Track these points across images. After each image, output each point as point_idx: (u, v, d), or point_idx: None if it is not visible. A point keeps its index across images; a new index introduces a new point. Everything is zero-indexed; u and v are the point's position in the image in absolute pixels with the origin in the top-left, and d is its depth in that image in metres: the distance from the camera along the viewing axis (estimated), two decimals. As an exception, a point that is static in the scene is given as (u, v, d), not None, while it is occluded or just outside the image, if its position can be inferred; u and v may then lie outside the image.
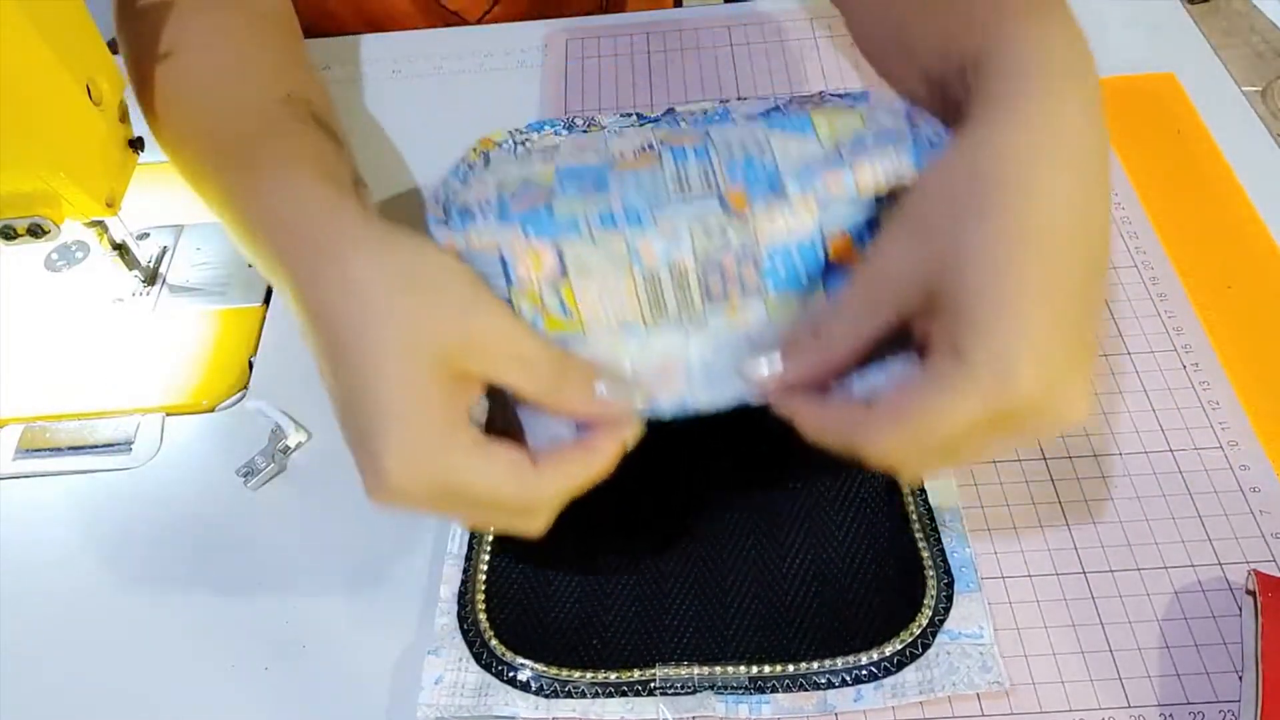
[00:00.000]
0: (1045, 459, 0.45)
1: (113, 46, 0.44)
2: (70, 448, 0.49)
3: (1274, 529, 0.42)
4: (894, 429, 0.31)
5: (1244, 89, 0.59)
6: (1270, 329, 0.48)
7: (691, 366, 0.36)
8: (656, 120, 0.46)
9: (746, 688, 0.38)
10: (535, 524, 0.34)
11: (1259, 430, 0.45)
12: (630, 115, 0.47)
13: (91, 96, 0.42)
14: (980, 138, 0.31)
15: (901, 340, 0.33)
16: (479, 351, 0.33)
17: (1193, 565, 0.41)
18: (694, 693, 0.38)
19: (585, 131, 0.46)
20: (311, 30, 0.61)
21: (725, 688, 0.38)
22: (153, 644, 0.43)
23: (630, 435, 0.35)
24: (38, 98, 0.39)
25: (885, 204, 0.34)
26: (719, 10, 0.68)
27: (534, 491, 0.33)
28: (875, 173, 0.33)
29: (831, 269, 0.35)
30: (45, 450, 0.49)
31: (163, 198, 0.58)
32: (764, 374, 0.34)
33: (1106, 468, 0.44)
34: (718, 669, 0.38)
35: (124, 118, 0.46)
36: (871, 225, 0.34)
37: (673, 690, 0.38)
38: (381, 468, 0.32)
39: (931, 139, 0.34)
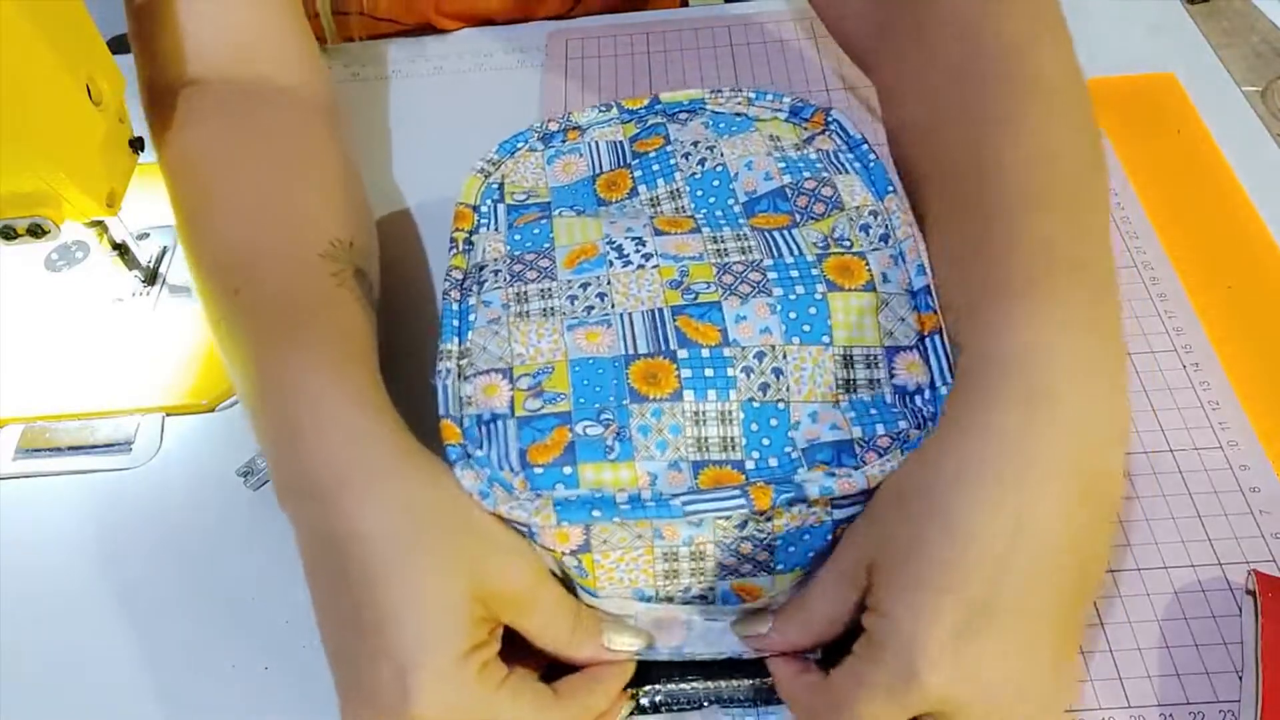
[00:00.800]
0: (1045, 459, 0.45)
1: (113, 46, 0.44)
2: (70, 448, 0.49)
3: (1274, 529, 0.42)
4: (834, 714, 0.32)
5: (1244, 89, 0.59)
6: (1270, 329, 0.48)
7: (693, 624, 0.37)
8: (640, 117, 0.46)
9: (752, 700, 0.38)
10: None
11: (1259, 430, 0.45)
12: (610, 108, 0.47)
13: (91, 96, 0.42)
14: (945, 444, 0.32)
15: None
16: (508, 597, 0.34)
17: (1193, 565, 0.41)
18: (699, 707, 0.38)
19: (564, 140, 0.47)
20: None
21: (731, 701, 0.38)
22: (153, 644, 0.43)
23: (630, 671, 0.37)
24: (38, 98, 0.39)
25: None
26: (719, 10, 0.68)
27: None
28: (884, 468, 0.34)
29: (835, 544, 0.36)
30: (45, 450, 0.49)
31: (163, 198, 0.58)
32: (759, 635, 0.36)
33: (1106, 468, 0.44)
34: (722, 683, 0.38)
35: (124, 118, 0.46)
36: None
37: (677, 707, 0.38)
38: (410, 690, 0.31)
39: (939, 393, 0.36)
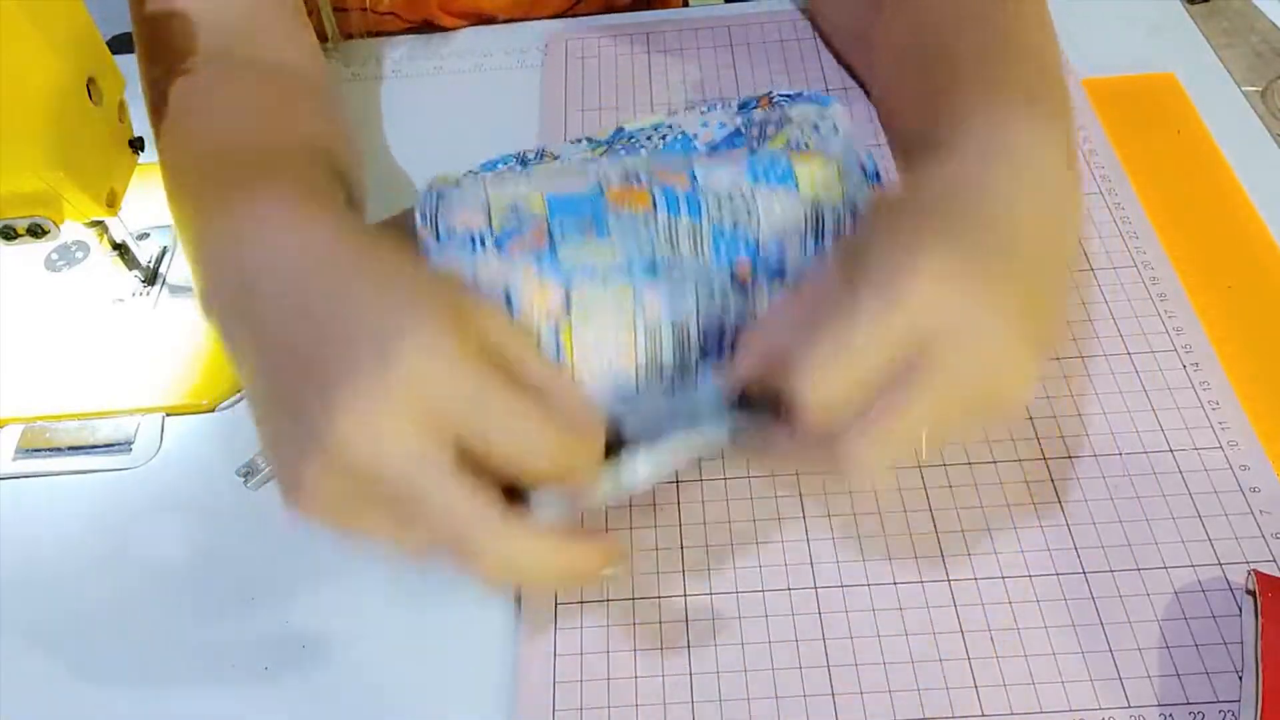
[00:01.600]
0: (1045, 459, 0.45)
1: (113, 46, 0.44)
2: (70, 448, 0.49)
3: (1274, 529, 0.42)
4: (811, 371, 0.30)
5: (1244, 89, 0.59)
6: (1270, 329, 0.48)
7: (675, 422, 0.35)
8: (608, 142, 0.47)
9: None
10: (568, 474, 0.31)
11: (1259, 430, 0.45)
12: (580, 142, 0.47)
13: (91, 96, 0.42)
14: (921, 178, 0.34)
15: None
16: (494, 332, 0.31)
17: (1193, 565, 0.41)
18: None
19: (541, 160, 0.47)
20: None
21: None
22: (152, 644, 0.43)
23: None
24: (38, 98, 0.39)
25: None
26: (719, 10, 0.68)
27: (570, 434, 0.30)
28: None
29: None
30: (45, 450, 0.49)
31: (163, 198, 0.58)
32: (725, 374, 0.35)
33: (1106, 468, 0.44)
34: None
35: (124, 118, 0.46)
36: None
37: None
38: (398, 373, 0.28)
39: None
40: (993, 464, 0.45)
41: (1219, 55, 0.61)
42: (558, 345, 0.34)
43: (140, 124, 0.48)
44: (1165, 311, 0.49)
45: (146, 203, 0.57)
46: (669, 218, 0.36)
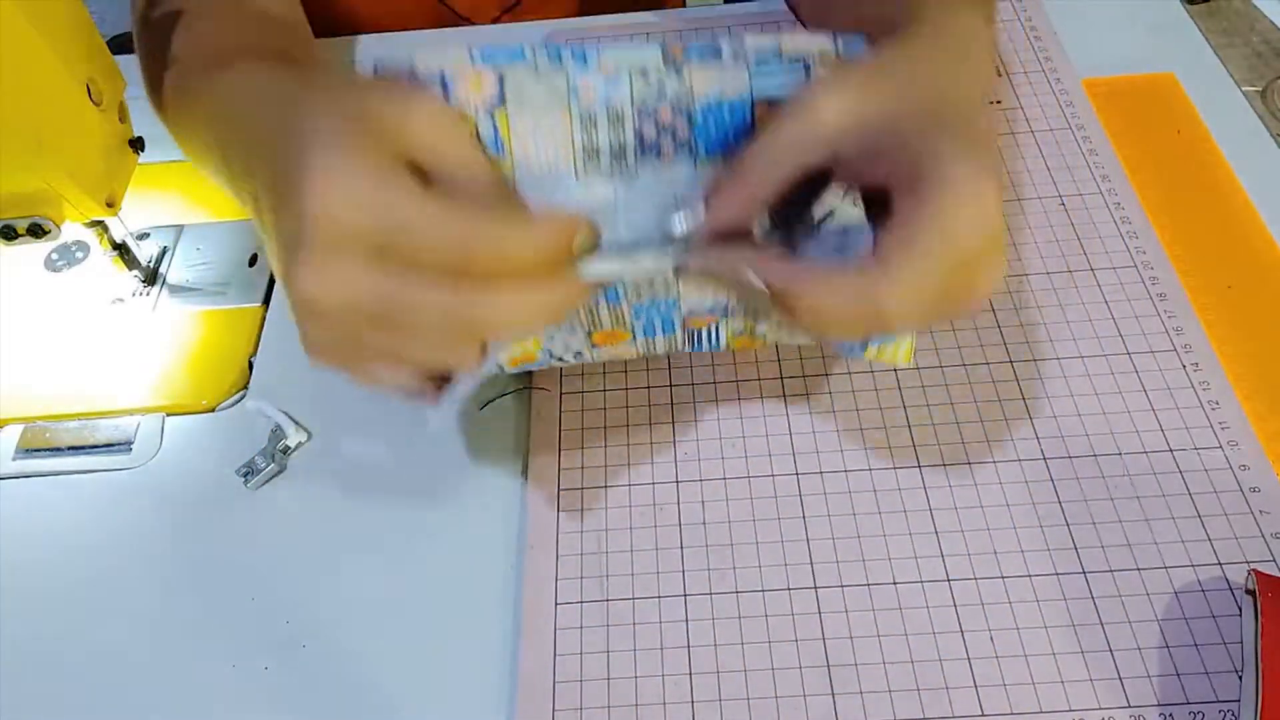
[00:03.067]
0: (1045, 459, 0.45)
1: (113, 46, 0.44)
2: (70, 448, 0.49)
3: (1274, 529, 0.42)
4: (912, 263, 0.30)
5: (1244, 89, 0.59)
6: (1270, 329, 0.48)
7: (618, 223, 0.35)
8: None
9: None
10: (478, 325, 0.30)
11: (1259, 430, 0.45)
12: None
13: (91, 96, 0.42)
14: (909, 43, 0.35)
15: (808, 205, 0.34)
16: (422, 134, 0.31)
17: (1193, 565, 0.41)
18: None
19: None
20: (320, 33, 0.61)
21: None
22: (152, 643, 0.43)
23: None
24: (38, 98, 0.39)
25: (810, 75, 0.36)
26: (719, 10, 0.68)
27: (492, 236, 0.29)
28: (799, 42, 0.36)
29: (755, 134, 0.35)
30: (45, 450, 0.49)
31: (163, 198, 0.58)
32: (688, 227, 0.34)
33: (1106, 468, 0.44)
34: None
35: (124, 118, 0.46)
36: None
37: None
38: (305, 230, 0.29)
39: (852, 43, 0.37)
40: (993, 463, 0.45)
41: (1219, 55, 0.61)
42: (495, 132, 0.35)
43: (140, 124, 0.48)
44: (1165, 311, 0.49)
45: (146, 203, 0.57)
46: (618, 53, 0.36)
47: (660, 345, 0.42)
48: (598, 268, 0.32)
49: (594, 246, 0.32)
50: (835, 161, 0.33)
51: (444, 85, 0.35)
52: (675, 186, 0.36)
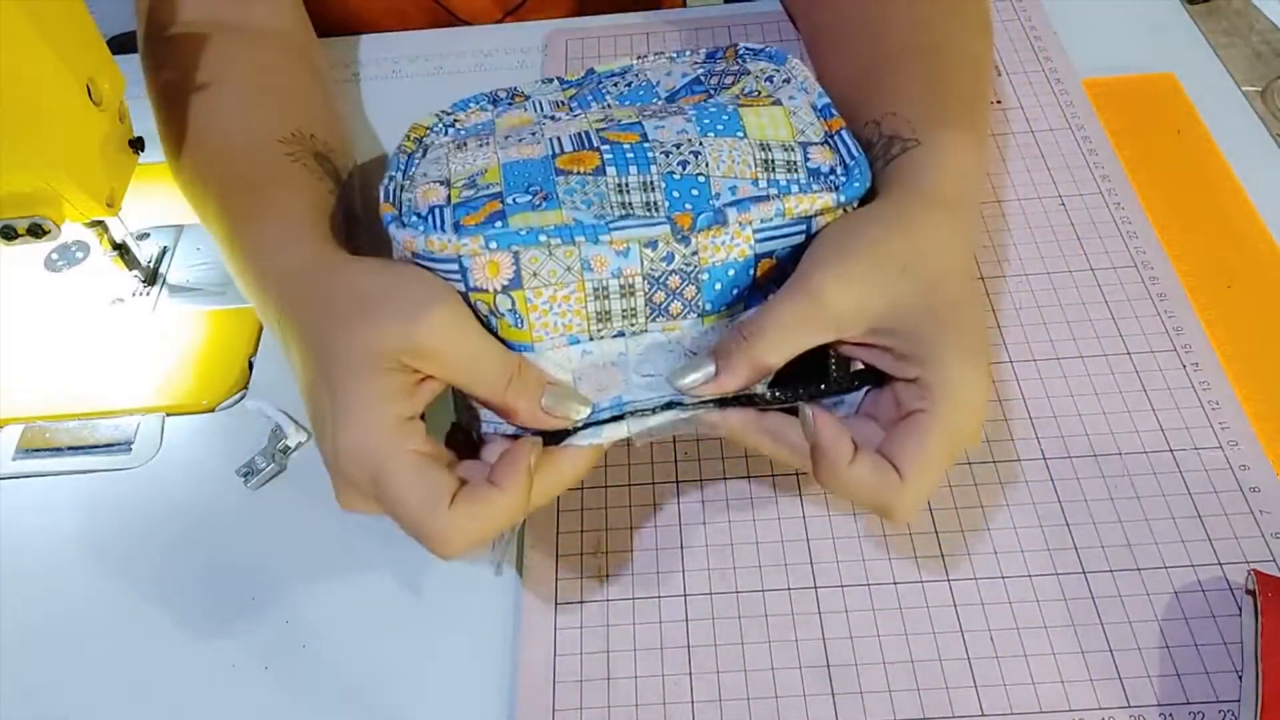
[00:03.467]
0: (1045, 459, 0.45)
1: (113, 46, 0.44)
2: (70, 448, 0.49)
3: (1274, 529, 0.42)
4: (926, 473, 0.35)
5: (1244, 89, 0.59)
6: (1270, 329, 0.48)
7: (630, 373, 0.38)
8: (578, 84, 0.47)
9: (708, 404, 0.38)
10: (445, 552, 0.35)
11: (1259, 430, 0.45)
12: (552, 81, 0.49)
13: (91, 96, 0.42)
14: (904, 209, 0.38)
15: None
16: (429, 353, 0.35)
17: (1193, 565, 0.41)
18: (654, 412, 0.38)
19: (510, 103, 0.47)
20: (321, 33, 0.61)
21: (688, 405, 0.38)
22: (153, 643, 0.43)
23: (534, 460, 0.36)
24: (38, 98, 0.39)
25: (809, 228, 0.38)
26: (719, 10, 0.68)
27: (435, 528, 0.34)
28: (801, 204, 0.37)
29: (757, 286, 0.38)
30: (45, 450, 0.49)
31: (163, 198, 0.58)
32: (698, 379, 0.37)
33: (1106, 468, 0.44)
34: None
35: (124, 118, 0.46)
36: (796, 249, 0.38)
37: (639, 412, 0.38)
38: (330, 452, 0.36)
39: (852, 170, 0.39)
40: (993, 464, 0.45)
41: (1219, 55, 0.61)
42: (514, 308, 0.37)
43: (140, 124, 0.48)
44: (1165, 311, 0.49)
45: (146, 203, 0.57)
46: (619, 175, 0.38)
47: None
48: (608, 433, 0.38)
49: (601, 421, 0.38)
50: (837, 342, 0.37)
51: (461, 269, 0.37)
52: (684, 340, 0.39)
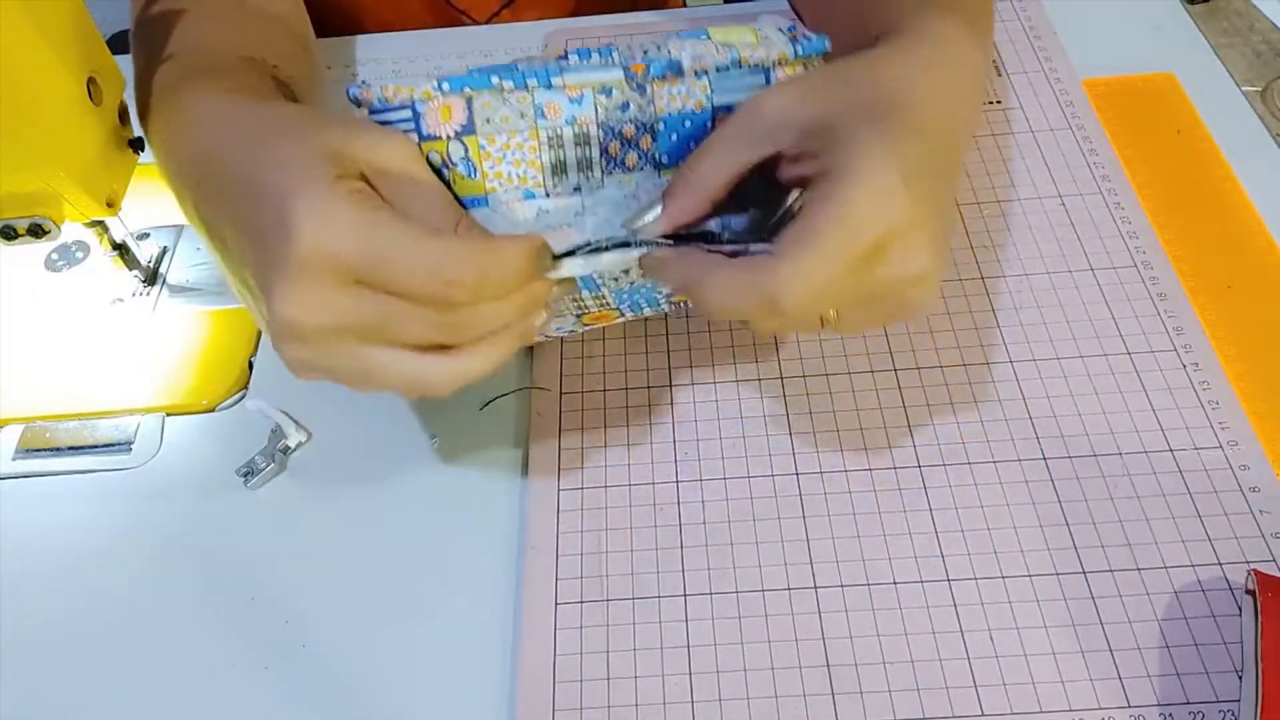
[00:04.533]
0: (1045, 459, 0.45)
1: (113, 46, 0.44)
2: (70, 448, 0.49)
3: (1274, 529, 0.42)
4: (804, 253, 0.31)
5: (1244, 89, 0.59)
6: (1270, 329, 0.48)
7: (585, 226, 0.38)
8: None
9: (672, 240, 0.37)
10: (467, 274, 0.31)
11: (1259, 430, 0.45)
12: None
13: (91, 96, 0.42)
14: (878, 54, 0.36)
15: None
16: (384, 163, 0.34)
17: (1193, 565, 0.41)
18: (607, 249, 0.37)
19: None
20: (320, 31, 0.61)
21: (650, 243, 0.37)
22: (152, 643, 0.43)
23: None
24: (38, 98, 0.39)
25: (768, 79, 0.37)
26: (719, 10, 0.68)
27: (463, 263, 0.31)
28: (757, 52, 0.37)
29: None
30: (45, 450, 0.49)
31: (163, 198, 0.58)
32: (649, 217, 0.36)
33: (1106, 468, 0.44)
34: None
35: (124, 118, 0.46)
36: None
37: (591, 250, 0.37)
38: (288, 222, 0.31)
39: (813, 42, 0.38)
40: (993, 464, 0.45)
41: (1219, 55, 0.61)
42: (467, 155, 0.37)
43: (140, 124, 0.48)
44: (1165, 311, 0.49)
45: (146, 203, 0.57)
46: (578, 58, 0.38)
47: (650, 315, 0.44)
48: (565, 267, 0.35)
49: (556, 255, 0.35)
50: (780, 160, 0.34)
51: (414, 114, 0.36)
52: (640, 194, 0.38)
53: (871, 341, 0.49)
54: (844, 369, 0.49)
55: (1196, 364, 0.47)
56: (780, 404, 0.48)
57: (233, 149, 0.36)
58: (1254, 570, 0.40)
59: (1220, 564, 0.41)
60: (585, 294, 0.40)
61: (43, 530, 0.47)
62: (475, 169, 0.37)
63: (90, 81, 0.42)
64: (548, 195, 0.38)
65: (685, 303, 0.43)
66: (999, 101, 0.60)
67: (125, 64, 0.47)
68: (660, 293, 0.41)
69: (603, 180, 0.38)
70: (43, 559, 0.46)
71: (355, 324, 0.32)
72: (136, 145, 0.47)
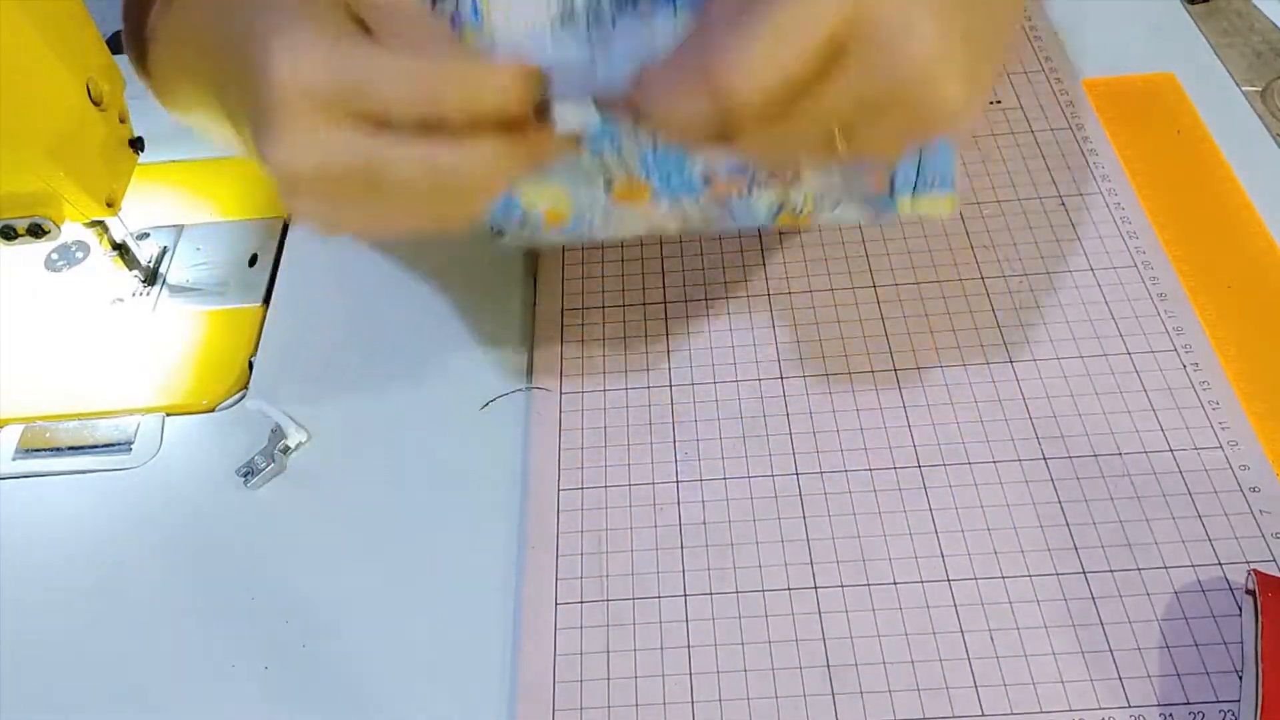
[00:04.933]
0: (1045, 459, 0.45)
1: (113, 46, 0.44)
2: (70, 448, 0.49)
3: (1274, 529, 0.42)
4: (749, 44, 0.27)
5: (1244, 89, 0.59)
6: (1270, 329, 0.48)
7: (596, 80, 0.35)
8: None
9: None
10: (463, 158, 0.29)
11: (1259, 430, 0.45)
12: None
13: (91, 96, 0.42)
14: None
15: None
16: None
17: (1193, 565, 0.41)
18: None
19: None
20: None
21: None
22: (152, 644, 0.43)
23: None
24: (38, 98, 0.39)
25: None
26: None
27: (450, 81, 0.29)
28: None
29: None
30: (45, 450, 0.49)
31: (163, 198, 0.58)
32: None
33: (1106, 468, 0.44)
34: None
35: (124, 118, 0.46)
36: None
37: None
38: (270, 101, 0.29)
39: None
40: (993, 464, 0.45)
41: (1219, 55, 0.61)
42: (474, 4, 0.35)
43: (140, 124, 0.48)
44: (1165, 311, 0.49)
45: (146, 203, 0.57)
46: None
47: (692, 212, 0.40)
48: (566, 114, 0.32)
49: (549, 94, 0.32)
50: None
51: None
52: (654, 41, 0.35)
53: (872, 341, 0.50)
54: (844, 369, 0.49)
55: (1196, 364, 0.47)
56: (780, 404, 0.48)
57: (222, 19, 0.35)
58: (1254, 570, 0.40)
59: (1220, 564, 0.41)
60: (608, 150, 0.37)
61: (43, 530, 0.47)
62: (482, 16, 0.35)
63: (90, 81, 0.42)
64: (554, 42, 0.35)
65: (729, 198, 0.39)
66: (999, 101, 0.60)
67: (125, 64, 0.47)
68: (695, 167, 0.38)
69: (614, 26, 0.35)
70: (43, 559, 0.46)
71: (346, 162, 0.30)
72: (136, 145, 0.47)
